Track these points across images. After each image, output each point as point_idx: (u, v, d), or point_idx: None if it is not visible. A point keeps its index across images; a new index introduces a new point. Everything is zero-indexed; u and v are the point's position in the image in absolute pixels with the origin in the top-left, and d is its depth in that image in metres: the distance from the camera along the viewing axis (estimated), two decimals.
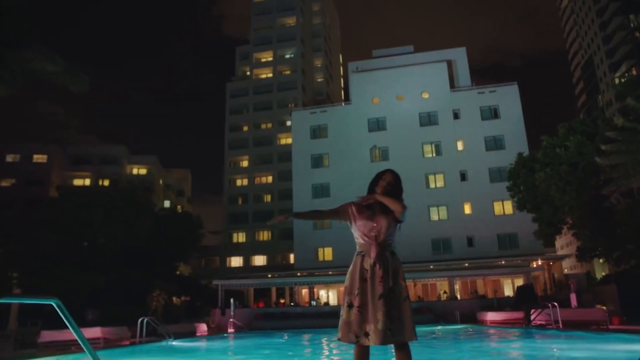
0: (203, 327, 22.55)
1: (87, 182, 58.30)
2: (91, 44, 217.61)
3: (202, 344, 15.53)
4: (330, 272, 37.05)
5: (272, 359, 9.50)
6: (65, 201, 35.43)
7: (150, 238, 36.20)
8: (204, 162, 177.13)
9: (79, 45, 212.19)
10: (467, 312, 26.36)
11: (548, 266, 35.50)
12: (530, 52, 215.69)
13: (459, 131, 42.71)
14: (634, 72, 60.44)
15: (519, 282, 33.36)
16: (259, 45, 69.83)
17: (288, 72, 67.96)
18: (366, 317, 3.23)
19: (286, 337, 17.54)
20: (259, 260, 60.05)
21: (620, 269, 26.32)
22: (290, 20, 70.29)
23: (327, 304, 37.27)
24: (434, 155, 42.90)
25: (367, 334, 3.19)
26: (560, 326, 14.54)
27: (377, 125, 44.39)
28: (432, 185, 42.06)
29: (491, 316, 21.82)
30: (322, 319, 27.46)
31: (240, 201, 63.33)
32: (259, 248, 60.32)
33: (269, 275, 40.93)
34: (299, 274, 38.52)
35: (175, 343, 14.70)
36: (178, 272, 45.12)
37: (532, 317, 15.96)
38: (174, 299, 38.93)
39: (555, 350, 9.46)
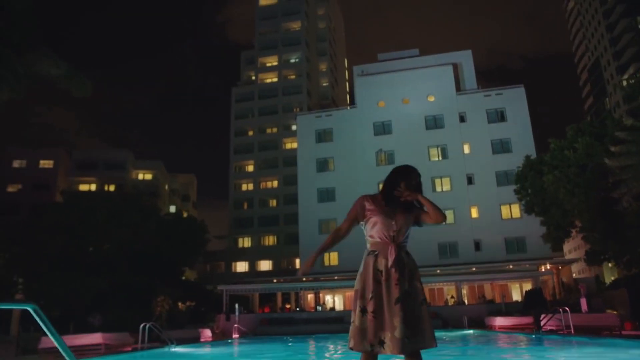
0: (207, 333, 22.31)
1: (93, 187, 58.40)
2: (97, 49, 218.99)
3: (204, 350, 15.29)
4: (336, 277, 36.75)
5: None
6: (71, 206, 35.41)
7: (155, 243, 36.10)
8: (209, 167, 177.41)
9: (85, 49, 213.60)
10: (475, 317, 25.97)
11: (557, 270, 35.05)
12: (535, 54, 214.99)
13: (465, 134, 42.37)
14: None
15: (527, 286, 32.91)
16: (264, 49, 69.84)
17: (293, 77, 67.90)
18: (382, 323, 2.97)
19: (291, 343, 17.27)
20: (265, 265, 59.81)
21: (631, 272, 25.86)
22: (295, 25, 70.29)
23: (332, 309, 36.95)
24: (440, 158, 42.57)
25: (382, 342, 2.92)
26: (572, 332, 14.18)
27: (382, 128, 44.13)
28: (438, 189, 41.70)
29: (500, 321, 21.43)
30: (328, 325, 27.16)
31: (245, 206, 63.17)
32: (265, 253, 60.09)
33: (274, 281, 40.67)
34: (304, 279, 38.21)
35: (177, 349, 14.47)
36: (183, 277, 44.96)
37: (542, 322, 15.59)
38: (179, 304, 38.74)
39: (568, 357, 9.14)
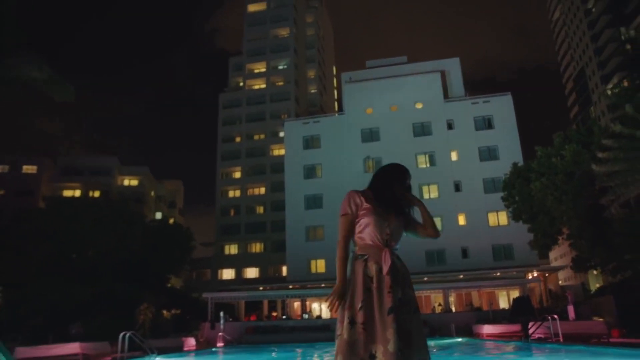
0: (191, 342, 21.87)
1: (77, 193, 57.57)
2: (85, 55, 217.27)
3: (187, 359, 14.90)
4: (322, 285, 36.39)
5: None
6: (53, 212, 34.76)
7: (140, 250, 35.51)
8: (196, 174, 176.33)
9: (72, 56, 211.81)
10: (463, 325, 25.81)
11: (544, 278, 35.08)
12: (523, 65, 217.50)
13: (453, 141, 42.45)
14: (626, 84, 60.68)
15: (515, 294, 32.86)
16: (252, 56, 69.65)
17: (281, 83, 67.74)
18: (373, 336, 2.69)
19: (275, 353, 16.93)
20: (251, 272, 59.29)
21: (617, 279, 25.91)
22: (284, 32, 70.26)
23: (319, 317, 36.57)
24: (428, 165, 42.57)
25: (374, 357, 2.65)
26: (561, 340, 14.04)
27: (370, 135, 44.06)
28: (426, 196, 41.63)
29: (487, 329, 21.28)
30: (314, 333, 26.80)
31: (232, 212, 62.66)
32: (251, 260, 59.59)
33: (260, 288, 40.21)
34: (290, 287, 37.83)
35: (159, 359, 14.07)
36: (169, 285, 44.32)
37: (531, 330, 15.44)
38: (164, 312, 38.12)
39: None
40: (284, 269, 48.51)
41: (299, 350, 18.22)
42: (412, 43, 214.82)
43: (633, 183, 14.72)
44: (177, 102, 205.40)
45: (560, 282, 42.33)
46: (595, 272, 37.26)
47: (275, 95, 66.65)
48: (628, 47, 62.88)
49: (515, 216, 29.40)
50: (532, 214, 26.91)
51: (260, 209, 62.38)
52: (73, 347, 13.60)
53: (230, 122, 66.64)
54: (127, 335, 14.19)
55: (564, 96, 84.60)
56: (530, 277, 34.69)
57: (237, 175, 65.00)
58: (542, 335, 15.63)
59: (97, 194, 57.26)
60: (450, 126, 43.10)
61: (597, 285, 37.47)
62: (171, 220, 54.60)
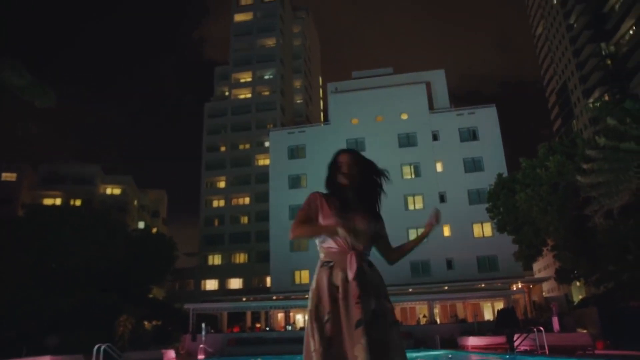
0: (171, 354, 21.35)
1: (58, 201, 56.47)
2: (70, 63, 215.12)
3: None
4: (306, 296, 35.92)
5: None
6: (32, 221, 33.94)
7: (121, 260, 34.80)
8: (180, 183, 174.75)
9: (56, 63, 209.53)
10: (448, 337, 25.64)
11: (528, 289, 35.12)
12: (506, 79, 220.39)
13: (438, 152, 42.57)
14: (607, 98, 61.64)
15: (499, 305, 32.83)
16: (238, 65, 69.43)
17: (267, 93, 67.59)
18: (343, 353, 2.38)
19: None
20: (235, 283, 58.57)
21: (600, 291, 25.99)
22: (270, 42, 70.24)
23: (302, 328, 36.09)
24: (413, 176, 42.60)
25: None
26: (547, 352, 13.91)
27: (356, 145, 43.93)
28: (410, 207, 41.62)
29: (472, 341, 21.13)
30: (298, 344, 26.13)
31: (216, 222, 62.00)
32: (235, 271, 58.89)
33: (244, 299, 39.69)
34: (274, 298, 37.40)
35: None
36: (151, 296, 43.53)
37: (516, 342, 15.31)
38: (145, 323, 37.36)
39: None
40: (268, 280, 48.02)
41: None
42: (397, 55, 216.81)
43: (617, 193, 14.76)
44: (162, 111, 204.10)
45: (544, 293, 42.47)
46: (578, 283, 37.44)
47: (261, 105, 66.43)
48: (609, 62, 64.11)
49: (500, 227, 29.41)
50: (517, 225, 26.94)
51: (244, 219, 61.82)
52: None
53: (215, 132, 66.17)
54: (102, 347, 13.72)
55: (547, 109, 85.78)
56: (514, 288, 34.71)
57: (222, 184, 64.45)
58: (527, 348, 15.50)
59: (78, 202, 56.27)
60: (435, 137, 43.24)
61: (581, 297, 37.63)
62: (154, 230, 53.88)
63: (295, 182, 44.37)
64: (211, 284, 58.92)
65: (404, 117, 44.35)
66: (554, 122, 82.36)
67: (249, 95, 67.94)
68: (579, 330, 20.55)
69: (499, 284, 35.03)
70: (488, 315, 35.23)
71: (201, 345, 24.68)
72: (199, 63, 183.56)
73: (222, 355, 26.08)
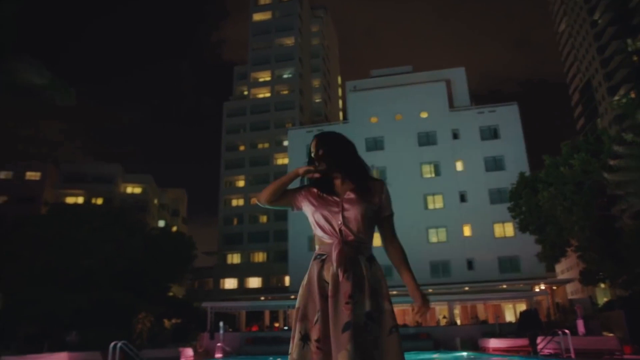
0: (188, 352, 21.32)
1: (80, 200, 57.23)
2: (91, 65, 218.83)
3: None
4: None
5: None
6: (53, 219, 34.38)
7: (141, 258, 35.04)
8: (200, 182, 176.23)
9: (77, 63, 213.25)
10: (468, 339, 25.13)
11: (551, 291, 34.33)
12: (528, 77, 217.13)
13: (458, 151, 41.94)
14: (633, 95, 60.18)
15: (522, 307, 32.16)
16: (257, 65, 69.51)
17: (286, 92, 67.51)
18: (329, 358, 2.09)
19: None
20: (254, 282, 58.66)
21: (627, 293, 25.23)
22: (289, 41, 70.16)
23: None
24: (433, 175, 42.05)
25: None
26: (572, 355, 13.44)
27: (374, 144, 43.60)
28: (430, 207, 41.10)
29: (494, 343, 20.63)
30: None
31: (235, 222, 62.17)
32: (254, 269, 58.96)
33: (262, 298, 39.63)
34: (292, 297, 37.23)
35: None
36: (170, 294, 43.81)
37: (540, 345, 14.84)
38: (165, 321, 37.60)
39: None
40: (287, 279, 47.95)
41: None
42: (416, 54, 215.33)
43: None
44: (181, 111, 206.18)
45: (568, 295, 41.56)
46: (603, 285, 36.51)
47: (280, 104, 66.41)
48: (635, 58, 62.58)
49: (522, 227, 28.79)
50: (540, 224, 26.31)
51: (263, 219, 61.86)
52: (61, 357, 13.10)
53: (234, 131, 66.37)
54: (119, 345, 13.70)
55: (570, 108, 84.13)
56: (537, 290, 33.95)
57: (241, 184, 64.61)
58: (551, 351, 15.02)
59: (99, 201, 56.92)
60: (455, 136, 42.62)
61: (605, 299, 36.69)
62: (174, 229, 54.23)
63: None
64: (230, 283, 59.11)
65: (424, 115, 43.81)
66: (577, 121, 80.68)
67: (268, 95, 67.97)
68: (605, 333, 19.93)
69: (522, 285, 34.31)
70: (510, 317, 34.54)
71: (219, 344, 24.64)
72: (218, 64, 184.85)
73: (240, 354, 26.00)
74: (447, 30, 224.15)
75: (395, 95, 44.74)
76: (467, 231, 39.73)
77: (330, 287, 2.18)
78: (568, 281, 36.76)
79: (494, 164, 40.93)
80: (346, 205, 2.30)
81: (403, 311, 34.57)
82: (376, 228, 2.42)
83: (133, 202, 58.37)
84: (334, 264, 2.18)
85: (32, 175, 56.42)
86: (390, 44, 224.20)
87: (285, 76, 68.63)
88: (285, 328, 33.86)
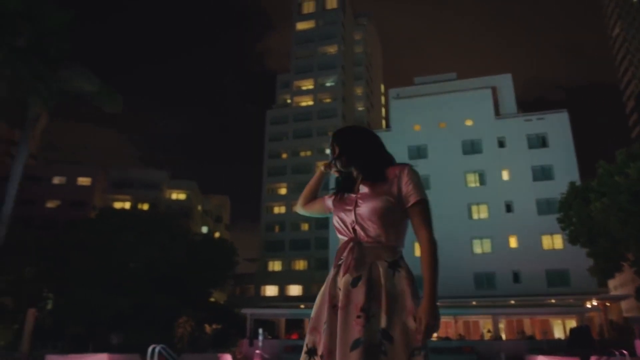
0: (227, 358, 21.34)
1: (127, 205, 58.92)
2: (139, 75, 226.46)
3: None
4: None
5: None
6: (101, 223, 35.45)
7: (183, 263, 35.63)
8: (242, 189, 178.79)
9: (127, 76, 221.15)
10: (513, 354, 24.09)
11: (604, 307, 32.61)
12: (575, 84, 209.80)
13: (504, 160, 40.67)
14: None
15: (571, 323, 30.66)
16: (299, 73, 69.99)
17: (328, 100, 67.60)
18: None
19: None
20: (294, 289, 58.68)
21: None
22: (332, 49, 70.33)
23: None
24: (478, 184, 40.93)
25: None
26: None
27: (417, 152, 42.84)
28: (475, 217, 39.99)
29: None
30: None
31: (277, 229, 62.50)
32: (295, 277, 59.01)
33: (302, 306, 39.44)
34: None
35: None
36: (212, 299, 44.35)
37: None
38: (206, 326, 38.00)
39: None
40: None
41: None
42: (460, 63, 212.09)
43: None
44: (225, 120, 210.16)
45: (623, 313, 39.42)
46: None
47: (322, 112, 66.53)
48: None
49: (572, 239, 27.52)
50: (591, 236, 25.05)
51: (305, 226, 61.91)
52: (102, 358, 13.32)
53: (276, 139, 66.94)
54: (157, 349, 13.79)
55: (623, 115, 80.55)
56: (589, 305, 32.32)
57: (283, 191, 64.97)
58: None
59: (145, 206, 58.39)
60: (501, 144, 41.38)
61: None
62: (217, 235, 54.99)
63: None
64: (271, 290, 59.35)
65: (469, 123, 42.78)
66: (633, 128, 77.11)
67: (311, 103, 68.25)
68: None
69: (571, 300, 32.75)
70: (558, 333, 33.02)
71: (257, 351, 24.57)
72: (262, 73, 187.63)
73: None
74: (492, 37, 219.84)
75: (439, 102, 43.92)
76: (513, 242, 38.40)
77: (341, 296, 1.91)
78: (623, 297, 34.84)
79: (542, 174, 39.44)
80: (360, 201, 2.03)
81: (445, 323, 33.61)
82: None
83: (177, 208, 59.53)
84: (342, 268, 1.94)
85: (83, 181, 58.50)
86: (433, 52, 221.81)
87: (327, 84, 68.75)
88: None
